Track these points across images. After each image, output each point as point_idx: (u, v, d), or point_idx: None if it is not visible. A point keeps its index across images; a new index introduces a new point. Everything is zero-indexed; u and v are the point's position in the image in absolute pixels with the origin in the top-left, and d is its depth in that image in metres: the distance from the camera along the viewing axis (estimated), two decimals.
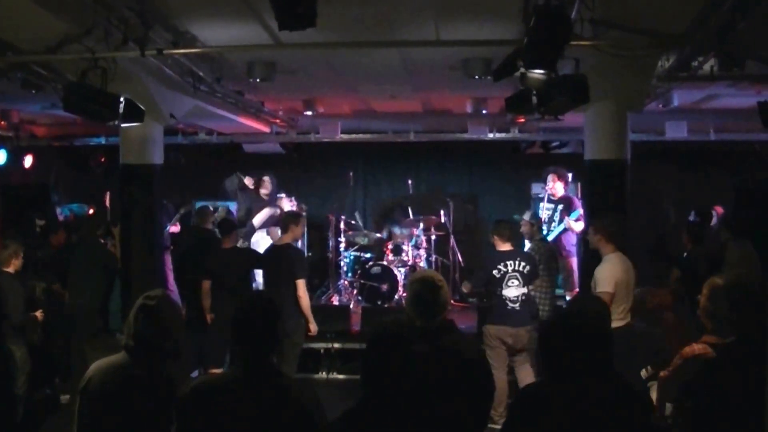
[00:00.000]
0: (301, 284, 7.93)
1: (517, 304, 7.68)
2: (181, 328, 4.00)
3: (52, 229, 9.79)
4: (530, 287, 7.89)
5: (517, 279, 7.70)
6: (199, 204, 11.45)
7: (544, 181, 11.02)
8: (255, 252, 9.78)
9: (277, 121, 12.42)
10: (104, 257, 8.95)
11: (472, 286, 8.52)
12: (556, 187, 10.74)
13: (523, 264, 7.76)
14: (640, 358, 6.11)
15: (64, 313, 8.48)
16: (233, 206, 12.82)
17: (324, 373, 9.32)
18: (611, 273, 6.84)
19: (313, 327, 8.10)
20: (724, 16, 5.22)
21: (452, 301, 12.44)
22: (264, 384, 3.35)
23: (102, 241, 9.34)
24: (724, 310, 3.78)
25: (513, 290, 7.69)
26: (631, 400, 3.25)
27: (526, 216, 8.76)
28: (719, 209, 10.46)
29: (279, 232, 8.83)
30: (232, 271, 8.32)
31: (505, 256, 7.79)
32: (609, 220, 7.26)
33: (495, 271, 7.74)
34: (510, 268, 7.72)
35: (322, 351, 9.53)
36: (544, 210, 10.73)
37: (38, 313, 7.81)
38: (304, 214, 12.49)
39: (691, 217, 10.21)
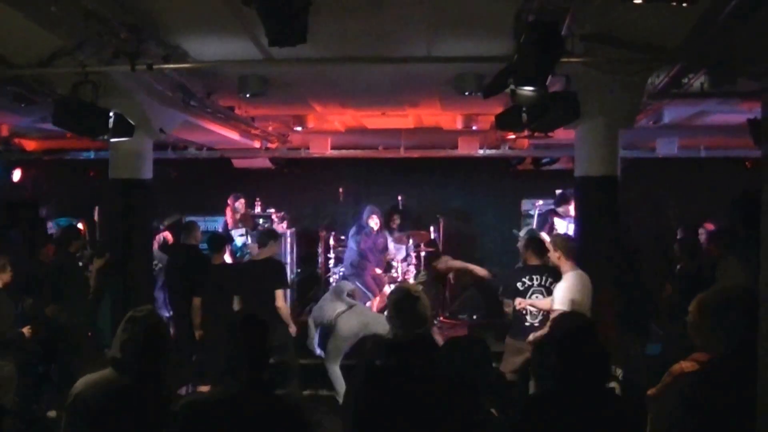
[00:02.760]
0: (280, 294, 8.25)
1: (537, 320, 7.42)
2: (169, 341, 3.98)
3: (40, 243, 9.67)
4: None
5: (542, 294, 7.42)
6: (187, 219, 11.38)
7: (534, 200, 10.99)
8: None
9: (268, 136, 12.42)
10: (81, 273, 8.94)
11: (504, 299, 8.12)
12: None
13: (549, 280, 7.45)
14: None
15: (52, 327, 8.41)
16: (220, 222, 12.81)
17: (310, 390, 9.21)
18: (569, 293, 6.84)
19: (293, 328, 8.48)
20: (717, 32, 5.25)
21: (441, 318, 12.41)
22: (257, 400, 3.32)
23: (78, 260, 9.30)
24: (711, 326, 3.76)
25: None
26: (624, 412, 3.27)
27: (522, 232, 8.74)
28: (709, 225, 10.46)
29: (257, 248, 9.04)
30: (222, 287, 8.28)
31: (534, 271, 7.55)
32: (566, 237, 7.30)
33: (519, 284, 7.50)
34: (535, 283, 7.49)
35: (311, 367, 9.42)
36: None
37: (26, 330, 7.75)
38: (291, 231, 12.53)
39: (678, 234, 10.26)
